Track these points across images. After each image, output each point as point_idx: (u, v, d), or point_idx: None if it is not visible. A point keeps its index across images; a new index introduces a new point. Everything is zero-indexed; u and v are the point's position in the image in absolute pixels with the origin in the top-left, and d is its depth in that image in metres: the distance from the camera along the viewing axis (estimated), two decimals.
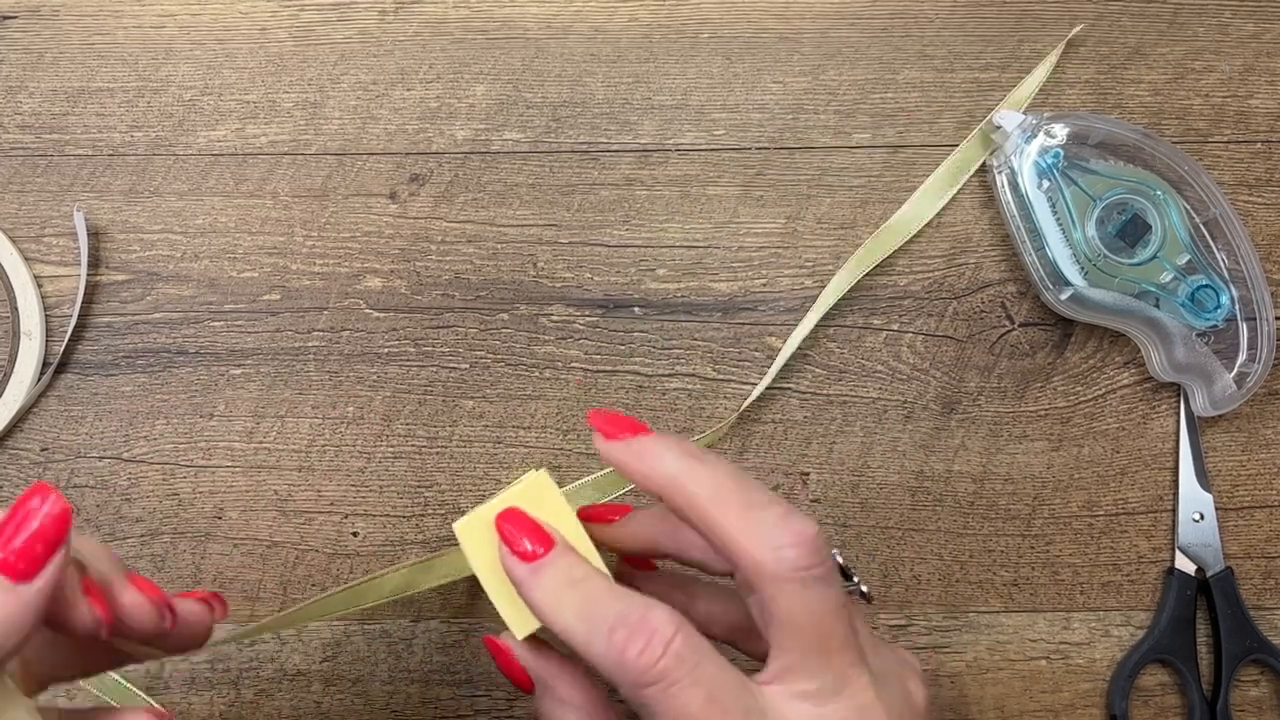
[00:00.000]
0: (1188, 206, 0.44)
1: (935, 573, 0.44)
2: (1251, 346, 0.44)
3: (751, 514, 0.29)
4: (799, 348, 0.45)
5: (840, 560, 0.33)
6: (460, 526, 0.32)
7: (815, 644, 0.29)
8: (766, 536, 0.29)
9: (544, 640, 0.33)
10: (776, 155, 0.47)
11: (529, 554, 0.31)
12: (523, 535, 0.31)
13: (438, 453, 0.45)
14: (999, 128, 0.45)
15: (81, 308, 0.45)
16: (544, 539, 0.31)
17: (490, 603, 0.32)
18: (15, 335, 0.45)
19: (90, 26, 0.47)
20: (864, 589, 0.34)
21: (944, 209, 0.46)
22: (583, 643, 0.29)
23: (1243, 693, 0.44)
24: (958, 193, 0.46)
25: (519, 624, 0.32)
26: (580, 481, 0.43)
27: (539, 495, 0.32)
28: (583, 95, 0.47)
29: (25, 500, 0.27)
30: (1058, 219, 0.44)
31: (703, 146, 0.47)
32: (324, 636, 0.44)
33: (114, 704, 0.40)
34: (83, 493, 0.44)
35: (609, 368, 0.45)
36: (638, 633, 0.28)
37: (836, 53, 0.47)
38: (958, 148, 0.46)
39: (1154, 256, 0.44)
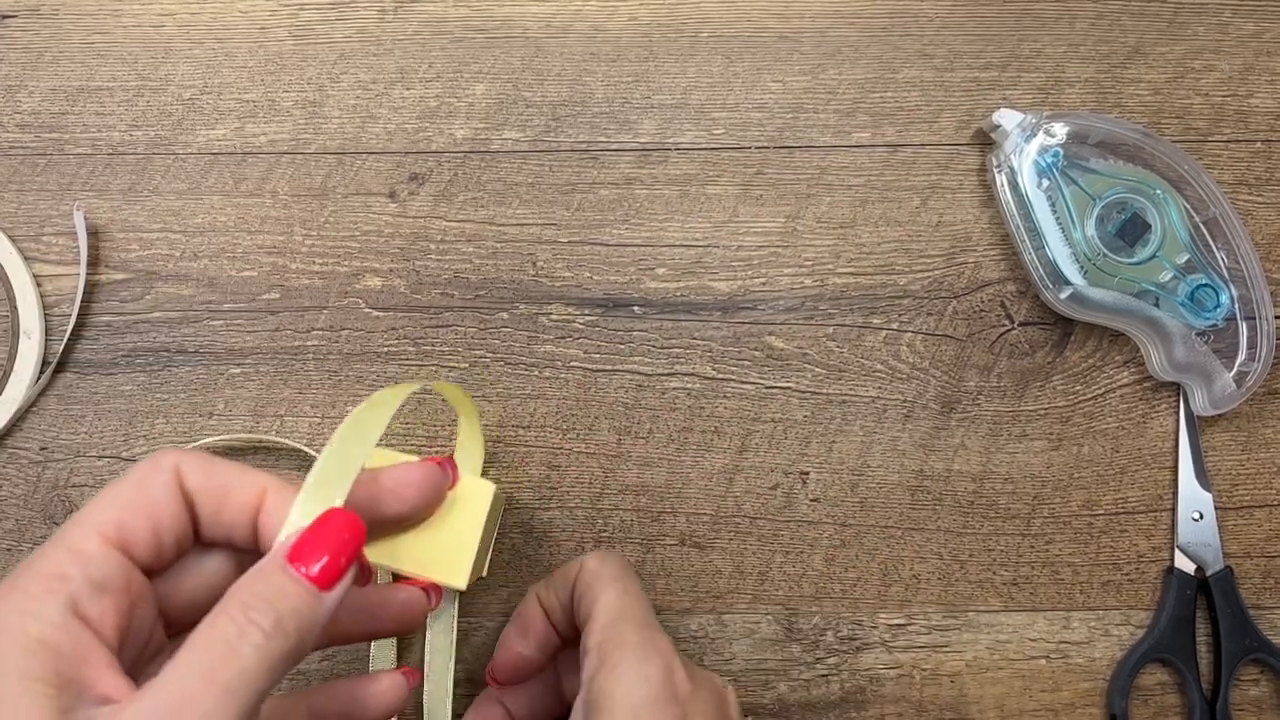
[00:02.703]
0: (1187, 206, 0.44)
1: (935, 572, 0.44)
2: (1251, 346, 0.43)
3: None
4: (797, 346, 0.45)
5: None
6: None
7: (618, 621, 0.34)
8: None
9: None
10: (776, 154, 0.47)
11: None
12: None
13: (437, 452, 0.45)
14: (998, 126, 0.45)
15: (81, 307, 0.45)
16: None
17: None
18: (14, 334, 0.45)
19: (90, 25, 0.47)
20: None
21: (944, 209, 0.46)
22: None
23: (1243, 692, 0.44)
24: (957, 192, 0.46)
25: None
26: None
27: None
28: (582, 94, 0.47)
29: (327, 518, 0.29)
30: (1057, 218, 0.44)
31: (702, 146, 0.47)
32: None
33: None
34: (82, 492, 0.44)
35: (609, 367, 0.45)
36: None
37: (836, 52, 0.47)
38: None
39: (1153, 256, 0.44)
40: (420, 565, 0.33)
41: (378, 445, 0.33)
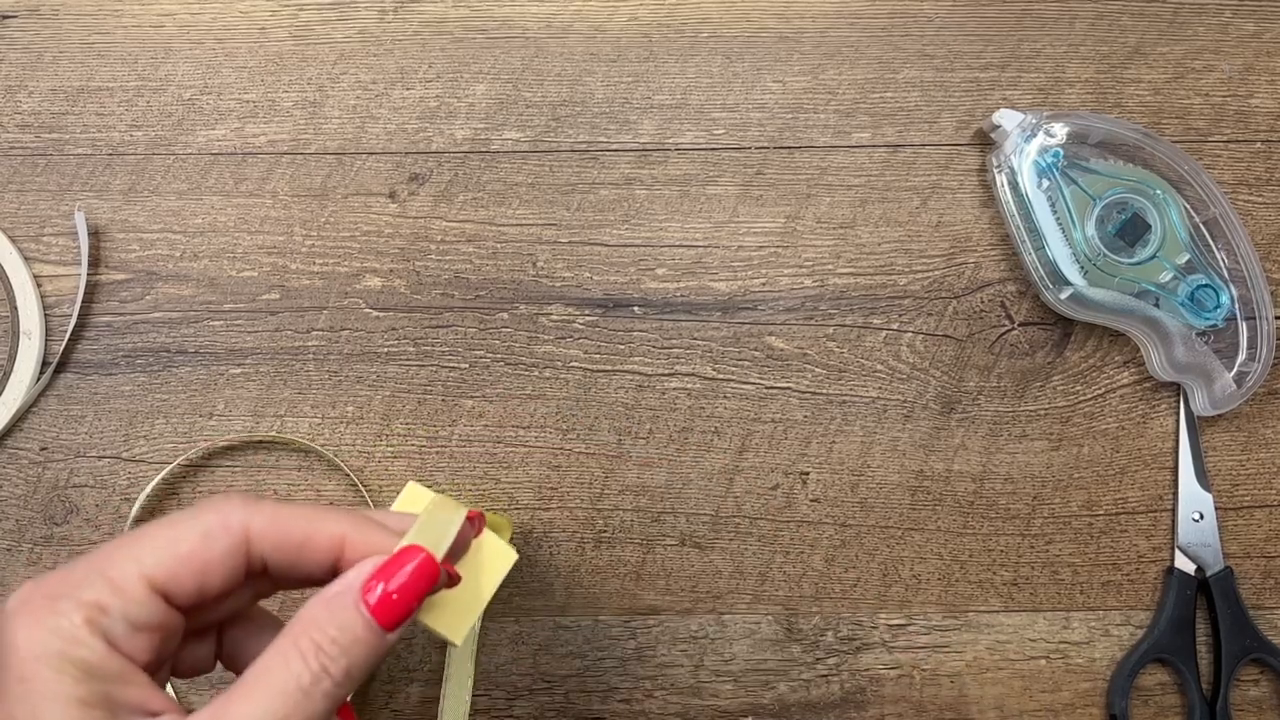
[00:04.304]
0: (1187, 206, 0.44)
1: (935, 572, 0.44)
2: (1251, 346, 0.43)
3: None
4: (797, 347, 0.45)
5: None
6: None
7: None
8: None
9: None
10: (776, 155, 0.47)
11: None
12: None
13: (437, 452, 0.45)
14: (998, 126, 0.45)
15: (81, 307, 0.45)
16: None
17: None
18: (15, 335, 0.45)
19: (89, 26, 0.47)
20: None
21: (944, 209, 0.46)
22: None
23: (1242, 692, 0.44)
24: (957, 193, 0.46)
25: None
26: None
27: (418, 499, 0.33)
28: (582, 95, 0.47)
29: (402, 555, 0.28)
30: (1057, 218, 0.44)
31: (702, 146, 0.47)
32: None
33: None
34: (82, 492, 0.44)
35: (609, 367, 0.45)
36: None
37: (836, 52, 0.47)
38: None
39: (1154, 256, 0.44)
40: (425, 612, 0.33)
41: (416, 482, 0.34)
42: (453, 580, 0.31)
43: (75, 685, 0.25)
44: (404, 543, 0.29)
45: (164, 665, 0.29)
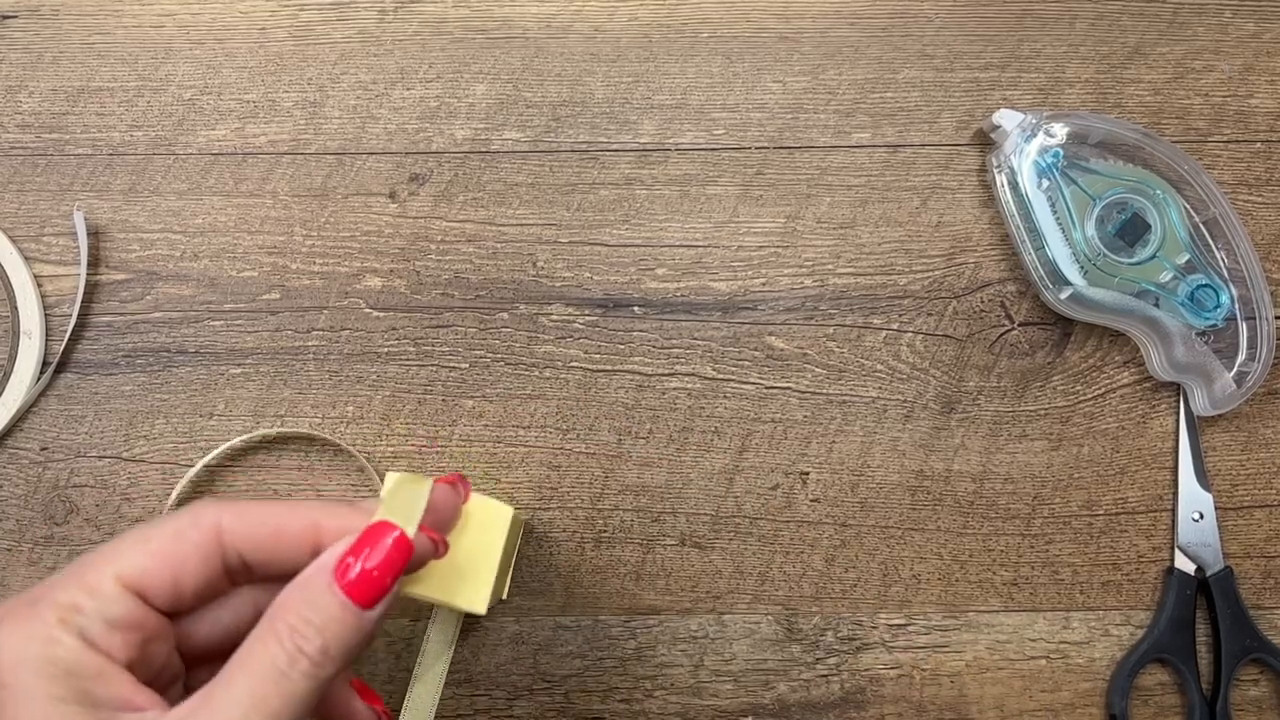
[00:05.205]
0: (1187, 206, 0.44)
1: (935, 572, 0.44)
2: (1251, 346, 0.43)
3: None
4: (797, 347, 0.45)
5: None
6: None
7: None
8: None
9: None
10: (776, 155, 0.47)
11: None
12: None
13: (437, 452, 0.45)
14: (998, 127, 0.45)
15: (81, 307, 0.45)
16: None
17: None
18: (15, 335, 0.45)
19: (90, 26, 0.47)
20: None
21: (944, 209, 0.46)
22: None
23: (1242, 692, 0.44)
24: (957, 193, 0.46)
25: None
26: None
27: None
28: (582, 95, 0.47)
29: (373, 532, 0.28)
30: (1057, 218, 0.44)
31: (702, 146, 0.47)
32: None
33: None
34: (82, 492, 0.45)
35: (609, 367, 0.45)
36: None
37: (836, 52, 0.47)
38: None
39: (1153, 256, 0.44)
40: (437, 589, 0.33)
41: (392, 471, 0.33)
42: (439, 548, 0.31)
43: (51, 684, 0.26)
44: (374, 519, 0.29)
45: (171, 680, 0.30)
